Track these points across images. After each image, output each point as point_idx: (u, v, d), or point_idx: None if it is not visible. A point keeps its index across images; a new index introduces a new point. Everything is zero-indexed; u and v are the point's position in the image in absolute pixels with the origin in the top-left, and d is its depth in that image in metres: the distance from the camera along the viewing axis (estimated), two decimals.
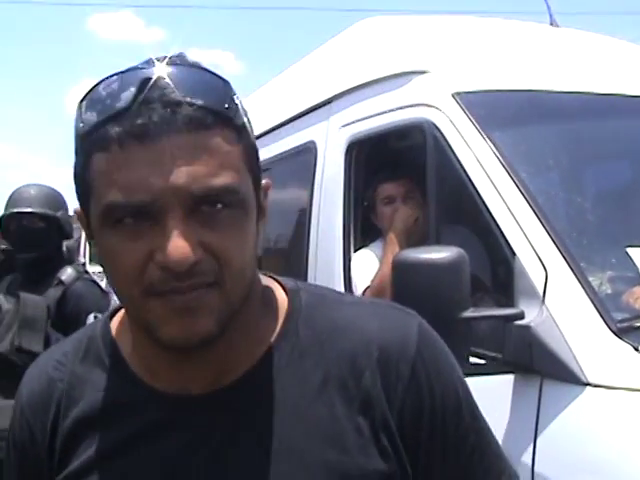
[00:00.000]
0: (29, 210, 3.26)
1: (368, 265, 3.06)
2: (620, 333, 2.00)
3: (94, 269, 17.56)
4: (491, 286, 2.48)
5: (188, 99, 0.85)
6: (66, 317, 3.11)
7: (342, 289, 3.04)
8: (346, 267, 3.07)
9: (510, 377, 2.08)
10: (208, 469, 0.94)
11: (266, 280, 1.05)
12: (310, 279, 3.36)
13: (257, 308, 1.00)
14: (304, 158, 3.62)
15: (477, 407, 1.05)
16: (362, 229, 3.17)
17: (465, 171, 2.38)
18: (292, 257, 3.85)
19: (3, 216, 3.34)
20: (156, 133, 0.83)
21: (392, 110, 2.84)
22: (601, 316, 2.02)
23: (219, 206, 0.86)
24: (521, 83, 2.72)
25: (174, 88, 0.85)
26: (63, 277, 3.19)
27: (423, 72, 2.74)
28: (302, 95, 3.87)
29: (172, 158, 0.83)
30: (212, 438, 0.95)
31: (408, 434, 0.96)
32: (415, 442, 0.96)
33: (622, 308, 2.22)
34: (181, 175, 0.83)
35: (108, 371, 1.02)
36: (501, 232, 2.21)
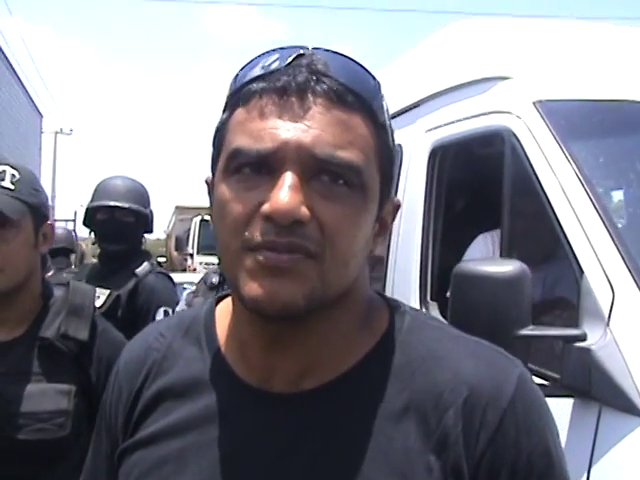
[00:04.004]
0: (122, 205, 3.32)
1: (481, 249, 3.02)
2: None
3: (201, 259, 18.09)
4: (555, 304, 2.39)
5: (335, 74, 0.87)
6: (137, 309, 3.17)
7: (416, 296, 3.00)
8: (422, 274, 3.03)
9: (568, 401, 1.98)
10: (266, 468, 0.92)
11: (374, 295, 1.04)
12: (388, 282, 3.34)
13: (357, 317, 0.98)
14: None
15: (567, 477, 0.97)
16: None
17: (540, 183, 2.29)
18: (374, 259, 3.83)
19: (92, 205, 3.42)
20: (297, 91, 0.86)
21: (474, 116, 2.77)
22: None
23: (340, 181, 0.86)
24: (606, 92, 2.59)
25: (325, 63, 0.88)
26: (137, 270, 3.26)
27: (506, 78, 2.66)
28: (393, 97, 3.83)
29: (307, 118, 0.85)
30: (278, 439, 0.93)
31: None
32: None
33: None
34: (309, 135, 0.84)
35: (200, 351, 1.04)
36: (571, 248, 2.11)
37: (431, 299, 3.01)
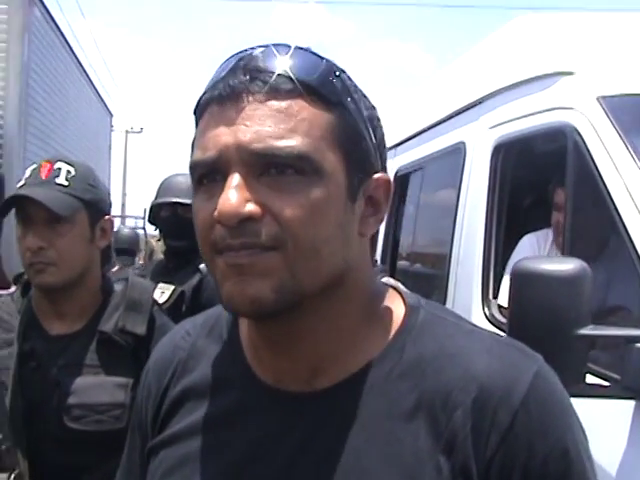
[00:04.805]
0: (184, 201, 3.35)
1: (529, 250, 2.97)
2: None
3: None
4: (617, 303, 2.34)
5: (269, 67, 0.87)
6: (201, 305, 3.21)
7: (479, 293, 2.99)
8: (484, 271, 3.01)
9: (629, 403, 1.95)
10: (280, 469, 0.93)
11: (387, 291, 1.02)
12: (450, 280, 3.33)
13: (359, 311, 0.96)
14: (454, 159, 3.57)
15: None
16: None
17: (602, 179, 2.25)
18: (438, 257, 3.82)
19: (156, 203, 3.48)
20: (233, 97, 0.86)
21: (538, 112, 2.74)
22: None
23: (289, 171, 0.85)
24: None
25: (262, 59, 0.88)
26: (201, 266, 3.29)
27: (568, 74, 2.62)
28: (457, 94, 3.81)
29: (243, 119, 0.85)
30: (292, 439, 0.93)
31: None
32: None
33: None
34: (246, 133, 0.85)
35: (223, 349, 1.04)
36: (633, 246, 2.08)
37: (493, 297, 2.99)
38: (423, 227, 4.33)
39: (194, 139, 0.92)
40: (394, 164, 4.93)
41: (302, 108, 0.86)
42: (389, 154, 3.86)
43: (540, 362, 0.92)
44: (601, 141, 2.32)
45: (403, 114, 5.18)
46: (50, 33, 6.38)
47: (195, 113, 0.93)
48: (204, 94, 0.91)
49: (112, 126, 11.19)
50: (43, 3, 5.94)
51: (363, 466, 0.89)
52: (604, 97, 2.44)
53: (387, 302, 0.99)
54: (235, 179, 0.85)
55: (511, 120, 2.96)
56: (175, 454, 1.00)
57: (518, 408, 0.87)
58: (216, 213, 0.85)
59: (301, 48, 0.91)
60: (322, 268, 0.89)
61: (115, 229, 7.03)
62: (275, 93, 0.86)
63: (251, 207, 0.84)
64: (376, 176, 0.94)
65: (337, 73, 0.91)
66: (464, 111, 3.58)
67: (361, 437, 0.90)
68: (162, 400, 1.06)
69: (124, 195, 36.11)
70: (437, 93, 4.48)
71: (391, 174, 4.98)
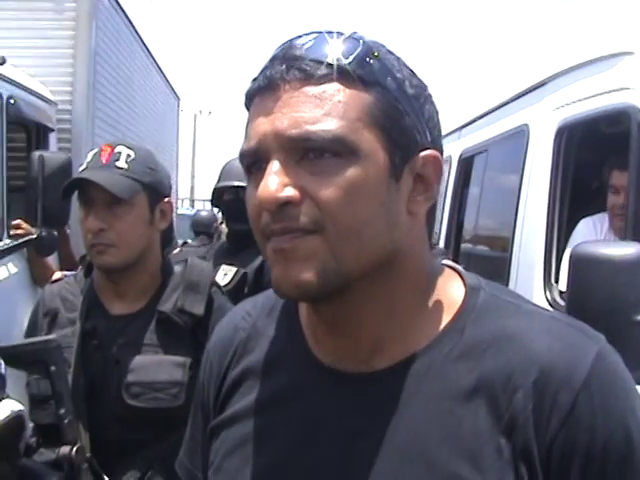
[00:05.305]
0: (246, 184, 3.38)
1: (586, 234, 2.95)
2: None
3: None
4: None
5: (305, 54, 0.89)
6: (263, 286, 3.23)
7: (541, 277, 2.96)
8: (547, 255, 2.98)
9: None
10: (337, 450, 0.94)
11: (445, 272, 1.01)
12: (513, 263, 3.31)
13: (415, 291, 0.96)
14: (517, 141, 3.53)
15: None
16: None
17: None
18: (501, 240, 3.79)
19: (218, 186, 3.52)
20: (271, 87, 0.89)
21: (600, 94, 2.69)
22: None
23: (326, 155, 0.87)
24: None
25: (299, 47, 0.89)
26: None
27: (629, 53, 2.56)
28: (521, 75, 3.77)
29: (280, 107, 0.88)
30: (349, 419, 0.94)
31: (554, 473, 0.86)
32: None
33: None
34: (283, 120, 0.87)
35: (282, 329, 1.06)
36: None
37: (555, 281, 2.96)
38: (486, 210, 4.30)
39: (245, 131, 0.94)
40: (459, 146, 4.91)
41: (337, 91, 0.88)
42: (454, 136, 3.86)
43: (602, 342, 0.91)
44: None
45: (469, 95, 5.14)
46: (117, 19, 6.48)
47: (245, 105, 0.95)
48: (249, 86, 0.93)
49: (180, 109, 11.30)
50: None
51: (423, 446, 0.89)
52: None
53: (446, 283, 0.99)
54: (274, 165, 0.87)
55: (575, 102, 2.91)
56: (235, 434, 1.02)
57: (579, 390, 0.86)
58: (256, 201, 0.87)
59: (339, 32, 0.92)
60: (365, 249, 0.89)
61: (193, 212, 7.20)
62: (310, 79, 0.87)
63: (289, 192, 0.86)
64: (423, 154, 0.93)
65: (376, 54, 0.91)
66: (528, 93, 3.54)
67: (420, 417, 0.90)
68: (223, 380, 1.08)
69: (193, 178, 36.59)
70: (502, 74, 4.43)
71: (456, 156, 4.96)
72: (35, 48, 5.18)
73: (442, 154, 0.96)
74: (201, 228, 8.10)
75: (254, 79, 0.92)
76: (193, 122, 37.85)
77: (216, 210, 3.88)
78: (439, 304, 0.97)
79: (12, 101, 4.15)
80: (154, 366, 1.97)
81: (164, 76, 9.50)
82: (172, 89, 10.31)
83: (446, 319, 0.95)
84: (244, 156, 0.92)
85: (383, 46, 0.94)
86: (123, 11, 6.72)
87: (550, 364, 0.88)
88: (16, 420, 1.81)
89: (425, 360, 0.93)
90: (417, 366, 0.93)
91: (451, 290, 0.98)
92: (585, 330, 0.93)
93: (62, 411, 1.82)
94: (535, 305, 0.99)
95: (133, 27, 7.25)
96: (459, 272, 1.02)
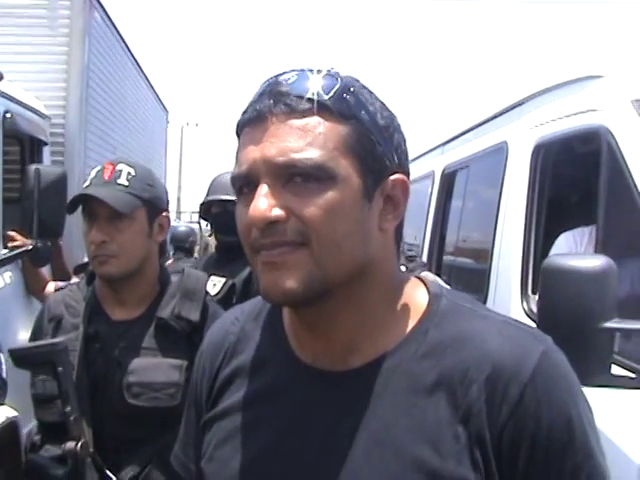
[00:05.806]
0: (234, 198, 3.48)
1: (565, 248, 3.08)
2: None
3: None
4: None
5: (290, 91, 1.01)
6: (250, 296, 3.31)
7: (518, 288, 3.08)
8: (523, 267, 3.09)
9: None
10: (317, 441, 1.06)
11: (411, 281, 1.14)
12: (492, 275, 3.42)
13: (384, 297, 1.09)
14: (497, 157, 3.66)
15: (598, 449, 1.02)
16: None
17: (634, 182, 2.34)
18: (481, 253, 3.90)
19: (207, 200, 3.65)
20: (260, 119, 1.01)
21: (574, 114, 2.82)
22: None
23: (311, 179, 0.98)
24: None
25: (284, 84, 1.02)
26: None
27: (599, 77, 2.70)
28: (500, 95, 3.90)
29: (268, 137, 1.00)
30: (328, 413, 1.06)
31: (505, 457, 0.98)
32: (510, 467, 0.98)
33: None
34: (271, 149, 0.99)
35: (268, 333, 1.19)
36: None
37: (532, 292, 3.07)
38: (468, 223, 4.42)
39: (236, 156, 1.07)
40: (442, 161, 5.03)
41: (318, 124, 1.00)
42: (437, 152, 4.00)
43: (548, 343, 1.04)
44: (636, 143, 2.40)
45: (452, 112, 5.26)
46: (109, 36, 6.56)
47: (236, 134, 1.08)
48: (240, 118, 1.06)
49: (168, 122, 11.37)
50: (103, 7, 6.12)
51: (392, 434, 1.01)
52: (638, 100, 2.52)
53: (412, 290, 1.12)
54: (263, 188, 1.00)
55: (550, 121, 3.05)
56: (227, 427, 1.15)
57: (527, 383, 0.98)
58: (248, 219, 1.00)
59: (318, 70, 1.05)
60: (345, 260, 1.02)
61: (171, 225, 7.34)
62: (294, 112, 1.00)
63: (277, 212, 0.99)
64: (392, 177, 1.06)
65: (352, 90, 1.04)
66: (507, 112, 3.67)
67: (390, 409, 1.03)
68: (215, 379, 1.21)
69: (179, 189, 36.58)
70: (483, 93, 4.56)
71: (439, 171, 5.08)
72: (30, 63, 5.28)
73: (409, 177, 1.09)
74: (178, 243, 8.46)
75: (244, 112, 1.05)
76: (180, 134, 37.91)
77: (204, 223, 3.98)
78: (406, 309, 1.10)
79: (8, 115, 4.23)
80: (153, 368, 2.10)
81: (153, 89, 9.56)
82: (161, 102, 10.38)
83: (412, 323, 1.09)
84: (236, 179, 1.04)
85: (357, 81, 1.08)
86: (114, 26, 6.80)
87: (501, 361, 1.00)
88: (10, 426, 1.93)
89: (394, 359, 1.06)
90: (387, 364, 1.06)
91: (416, 297, 1.11)
92: (533, 332, 1.08)
93: (68, 409, 1.96)
94: (489, 310, 1.13)
95: (124, 41, 7.32)
96: (424, 281, 1.15)
